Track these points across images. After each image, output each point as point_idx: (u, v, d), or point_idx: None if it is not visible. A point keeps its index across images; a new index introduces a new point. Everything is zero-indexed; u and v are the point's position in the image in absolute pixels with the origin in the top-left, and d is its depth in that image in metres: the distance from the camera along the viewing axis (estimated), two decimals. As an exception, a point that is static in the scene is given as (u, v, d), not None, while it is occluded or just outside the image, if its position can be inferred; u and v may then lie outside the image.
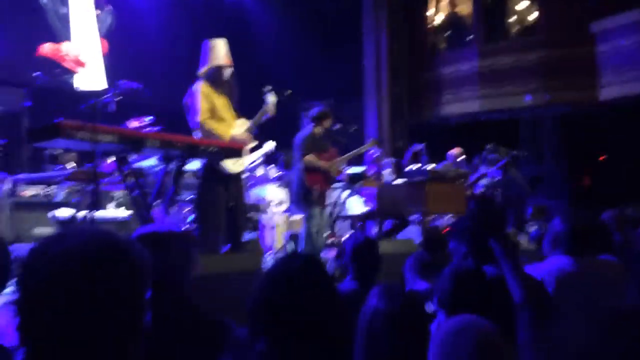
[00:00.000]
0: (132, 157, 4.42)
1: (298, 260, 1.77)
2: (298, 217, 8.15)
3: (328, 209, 6.32)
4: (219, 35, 5.31)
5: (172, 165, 4.63)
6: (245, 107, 5.58)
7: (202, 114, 4.94)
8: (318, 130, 6.37)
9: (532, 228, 7.57)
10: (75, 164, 6.49)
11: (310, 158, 6.23)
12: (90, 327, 1.07)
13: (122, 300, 1.11)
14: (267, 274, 1.79)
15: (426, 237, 4.41)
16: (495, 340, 1.53)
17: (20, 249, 4.84)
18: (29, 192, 6.34)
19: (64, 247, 1.10)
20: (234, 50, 5.29)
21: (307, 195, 6.23)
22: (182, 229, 2.24)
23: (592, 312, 2.17)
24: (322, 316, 1.67)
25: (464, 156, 9.70)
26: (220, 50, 5.09)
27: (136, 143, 3.93)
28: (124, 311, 1.11)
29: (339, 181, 7.11)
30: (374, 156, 8.38)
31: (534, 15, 12.37)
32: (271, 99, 5.22)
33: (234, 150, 4.76)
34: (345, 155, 6.76)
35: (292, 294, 1.67)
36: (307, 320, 1.65)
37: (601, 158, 12.89)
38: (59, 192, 6.10)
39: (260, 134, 5.85)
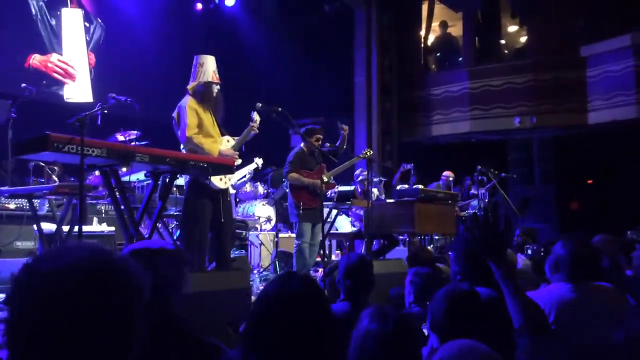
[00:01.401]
0: (120, 171, 4.35)
1: (294, 279, 1.72)
2: (286, 234, 8.09)
3: (319, 227, 6.26)
4: (210, 50, 5.28)
5: (161, 181, 4.57)
6: (235, 123, 5.53)
7: (190, 129, 4.89)
8: (307, 147, 6.36)
9: (528, 250, 7.55)
10: (57, 179, 6.40)
11: (293, 175, 6.28)
12: (82, 346, 1.03)
13: (116, 320, 1.07)
14: (263, 292, 1.74)
15: (412, 257, 4.34)
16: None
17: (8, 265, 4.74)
18: (11, 205, 6.23)
19: (58, 264, 1.07)
20: (226, 66, 5.26)
21: (295, 212, 6.27)
22: (174, 247, 2.19)
23: (593, 338, 2.13)
24: (317, 335, 1.63)
25: (452, 179, 9.73)
26: (209, 67, 5.06)
27: (125, 157, 3.86)
28: (118, 330, 1.08)
29: (329, 200, 7.06)
30: (359, 178, 8.37)
31: (525, 38, 12.49)
32: (256, 117, 5.20)
33: (225, 166, 4.70)
34: (334, 169, 6.72)
35: (289, 313, 1.62)
36: (302, 339, 1.60)
37: (589, 182, 12.96)
38: (43, 206, 5.99)
39: (248, 151, 5.82)
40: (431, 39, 13.40)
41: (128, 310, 1.09)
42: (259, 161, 8.25)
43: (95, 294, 1.05)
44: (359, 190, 8.19)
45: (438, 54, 13.38)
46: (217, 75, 5.11)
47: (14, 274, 1.09)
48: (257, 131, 5.24)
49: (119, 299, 1.08)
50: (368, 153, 6.83)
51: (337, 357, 1.75)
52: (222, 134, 5.23)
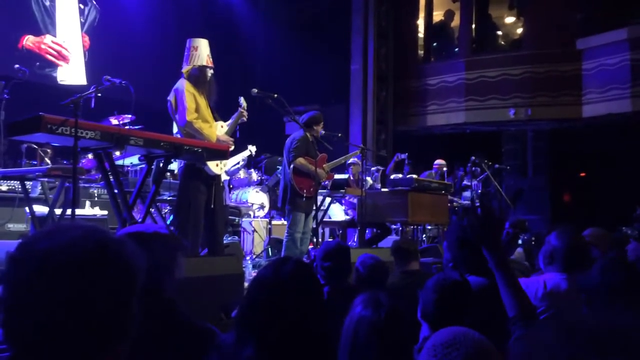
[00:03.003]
0: (114, 154, 4.33)
1: (289, 265, 1.72)
2: (279, 222, 8.09)
3: (311, 216, 6.22)
4: (206, 35, 5.24)
5: (155, 165, 4.55)
6: (230, 110, 5.50)
7: (190, 113, 4.86)
8: (309, 135, 6.24)
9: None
10: (49, 161, 6.37)
11: (301, 160, 6.05)
12: (78, 325, 1.03)
13: (112, 300, 1.06)
14: (257, 277, 1.74)
15: (395, 249, 4.33)
16: (489, 353, 1.48)
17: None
18: (3, 186, 6.20)
19: (54, 242, 1.06)
20: (221, 51, 5.23)
21: (294, 199, 6.04)
22: (168, 231, 2.18)
23: (585, 327, 2.14)
24: (311, 320, 1.64)
25: (445, 168, 9.74)
26: (203, 51, 5.03)
27: (119, 140, 3.84)
28: (114, 311, 1.07)
29: (323, 188, 7.03)
30: (349, 161, 8.36)
31: (522, 29, 12.47)
32: (244, 103, 5.18)
33: (219, 152, 4.68)
34: (334, 162, 6.68)
35: (284, 298, 1.63)
36: (296, 324, 1.61)
37: (581, 174, 13.00)
38: (35, 188, 5.96)
39: (242, 138, 5.80)
40: (428, 28, 13.34)
41: (124, 290, 1.09)
42: (252, 148, 8.23)
43: (91, 273, 1.04)
44: (352, 177, 8.19)
45: (435, 44, 13.33)
46: (211, 59, 5.09)
47: (9, 252, 1.08)
48: (246, 117, 5.24)
49: (115, 279, 1.07)
50: (363, 150, 6.82)
51: (329, 342, 1.76)
52: (216, 119, 5.21)
